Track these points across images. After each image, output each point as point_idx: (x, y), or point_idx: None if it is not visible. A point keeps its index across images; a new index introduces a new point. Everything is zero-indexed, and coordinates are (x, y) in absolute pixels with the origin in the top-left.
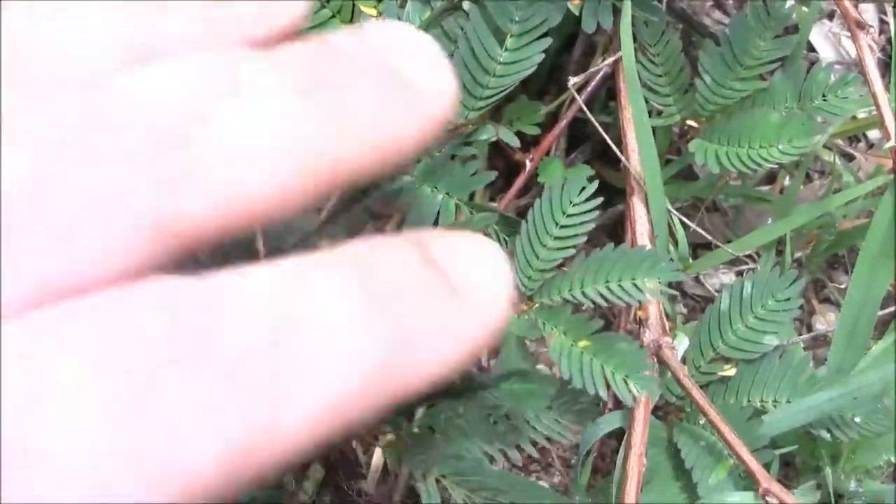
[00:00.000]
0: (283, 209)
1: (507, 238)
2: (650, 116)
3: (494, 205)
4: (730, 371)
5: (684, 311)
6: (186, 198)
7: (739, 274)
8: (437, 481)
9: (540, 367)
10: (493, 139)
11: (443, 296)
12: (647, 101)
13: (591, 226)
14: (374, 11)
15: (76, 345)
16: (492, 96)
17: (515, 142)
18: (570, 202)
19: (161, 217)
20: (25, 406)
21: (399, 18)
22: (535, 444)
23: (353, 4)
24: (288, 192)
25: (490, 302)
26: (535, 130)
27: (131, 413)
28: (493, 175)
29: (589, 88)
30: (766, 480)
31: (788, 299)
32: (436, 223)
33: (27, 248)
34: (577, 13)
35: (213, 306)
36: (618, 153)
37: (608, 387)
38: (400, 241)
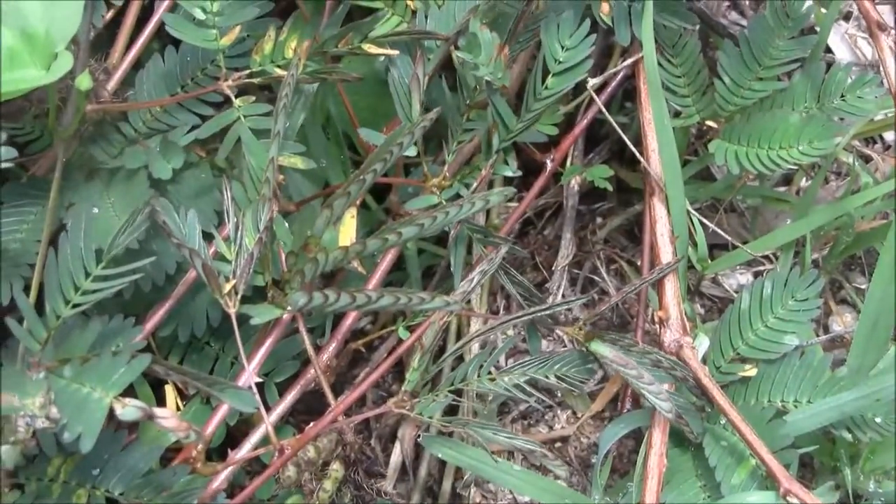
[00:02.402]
0: None
1: None
2: (669, 117)
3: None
4: (750, 371)
5: (701, 311)
6: None
7: (756, 275)
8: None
9: None
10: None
11: None
12: (666, 102)
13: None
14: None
15: None
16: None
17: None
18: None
19: None
20: None
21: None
22: (552, 442)
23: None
24: None
25: None
26: (554, 131)
27: None
28: None
29: (608, 89)
30: (788, 481)
31: (808, 299)
32: None
33: None
34: (607, 23)
35: None
36: (637, 154)
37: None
38: None
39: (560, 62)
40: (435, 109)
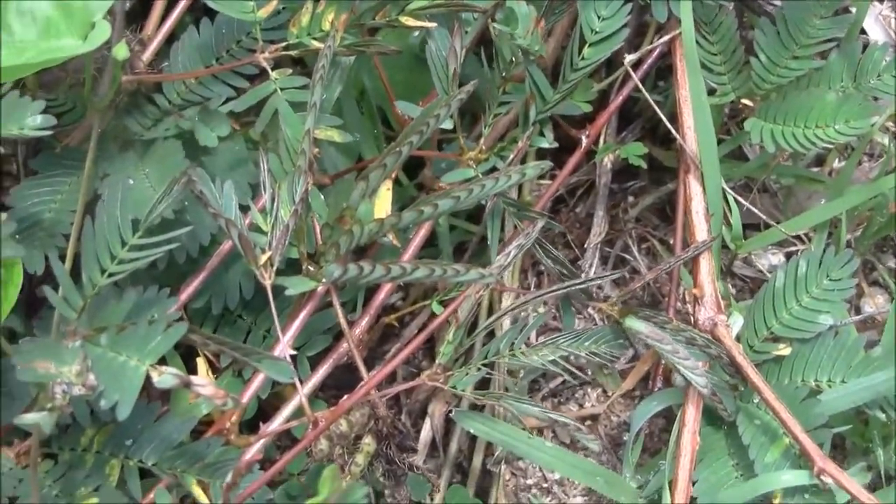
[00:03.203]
0: None
1: None
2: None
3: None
4: (784, 350)
5: (733, 291)
6: None
7: (788, 256)
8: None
9: None
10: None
11: None
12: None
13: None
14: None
15: None
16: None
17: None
18: None
19: None
20: None
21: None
22: (582, 420)
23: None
24: None
25: None
26: (588, 108)
27: None
28: None
29: (643, 66)
30: (822, 460)
31: (843, 279)
32: None
33: None
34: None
35: None
36: (673, 132)
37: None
38: None
39: (596, 32)
40: (472, 82)
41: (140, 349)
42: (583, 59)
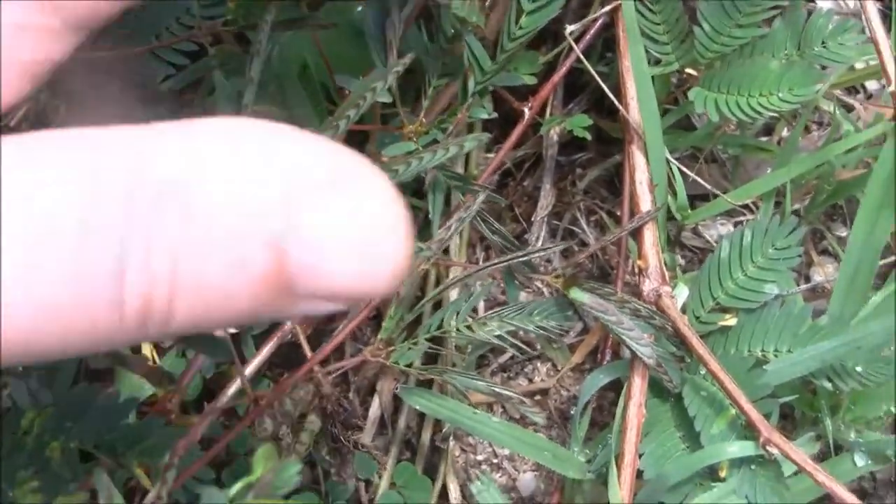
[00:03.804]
0: None
1: None
2: (648, 65)
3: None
4: (730, 321)
5: (682, 262)
6: None
7: (737, 225)
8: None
9: None
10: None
11: None
12: (645, 50)
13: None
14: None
15: None
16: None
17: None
18: None
19: None
20: None
21: None
22: (532, 395)
23: None
24: None
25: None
26: (533, 80)
27: None
28: None
29: (587, 38)
30: (768, 430)
31: (789, 247)
32: None
33: None
34: None
35: None
36: (616, 103)
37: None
38: None
39: (533, 1)
40: (409, 54)
41: None
42: (520, 27)
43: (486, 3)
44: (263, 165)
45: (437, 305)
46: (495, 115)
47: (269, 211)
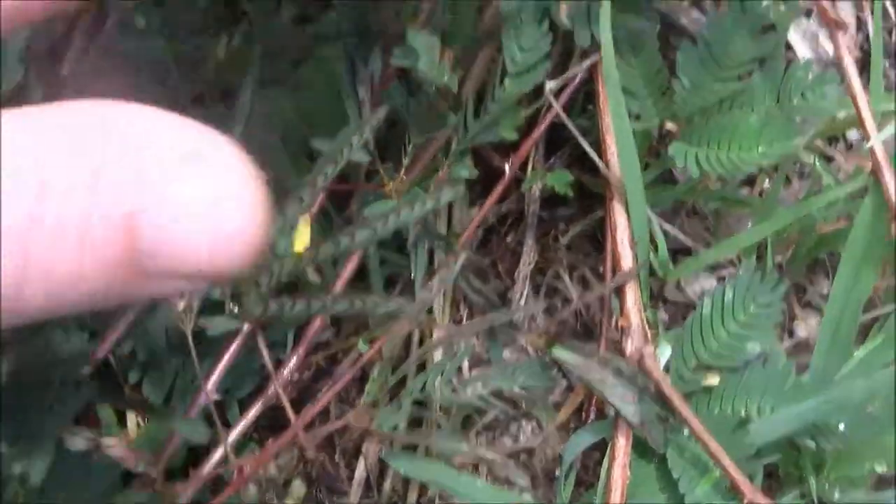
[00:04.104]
0: None
1: None
2: (629, 120)
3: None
4: (713, 380)
5: (665, 317)
6: None
7: (720, 279)
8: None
9: None
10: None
11: None
12: (625, 105)
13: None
14: None
15: None
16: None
17: None
18: None
19: None
20: None
21: None
22: (517, 454)
23: None
24: None
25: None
26: (514, 136)
27: None
28: None
29: (567, 92)
30: (751, 492)
31: (770, 304)
32: None
33: None
34: (566, 24)
35: None
36: (597, 160)
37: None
38: None
39: (517, 63)
40: (382, 108)
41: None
42: (504, 90)
43: (453, 60)
44: (118, 144)
45: (422, 365)
46: (476, 173)
47: (121, 190)
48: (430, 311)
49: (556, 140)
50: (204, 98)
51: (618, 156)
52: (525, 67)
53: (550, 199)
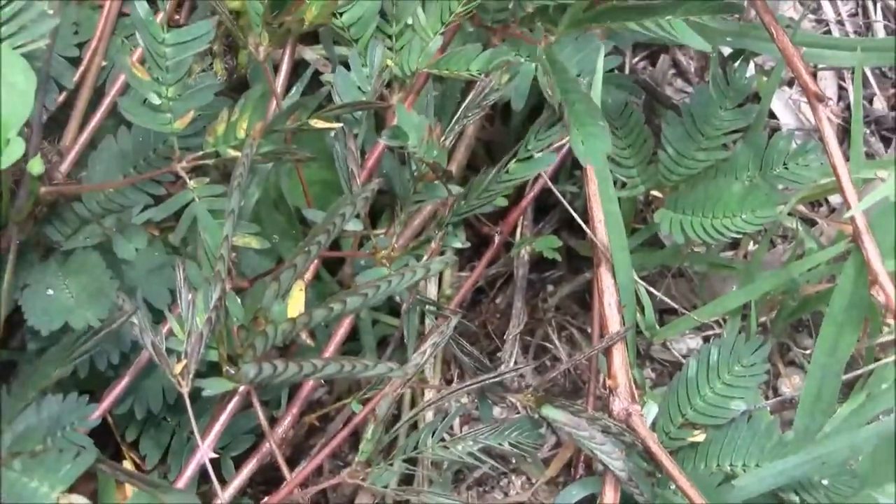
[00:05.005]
0: None
1: None
2: (615, 187)
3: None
4: (699, 437)
5: (652, 375)
6: None
7: (706, 339)
8: None
9: None
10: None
11: None
12: (611, 173)
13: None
14: None
15: None
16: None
17: None
18: None
19: None
20: None
21: None
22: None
23: None
24: None
25: None
26: (503, 202)
27: None
28: None
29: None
30: None
31: (754, 365)
32: None
33: None
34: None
35: None
36: (584, 227)
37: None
38: None
39: (528, 150)
40: (376, 180)
41: (51, 476)
42: (507, 172)
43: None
44: None
45: (414, 424)
46: (468, 244)
47: None
48: (422, 371)
49: (545, 204)
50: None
51: (604, 223)
52: (534, 154)
53: (539, 261)
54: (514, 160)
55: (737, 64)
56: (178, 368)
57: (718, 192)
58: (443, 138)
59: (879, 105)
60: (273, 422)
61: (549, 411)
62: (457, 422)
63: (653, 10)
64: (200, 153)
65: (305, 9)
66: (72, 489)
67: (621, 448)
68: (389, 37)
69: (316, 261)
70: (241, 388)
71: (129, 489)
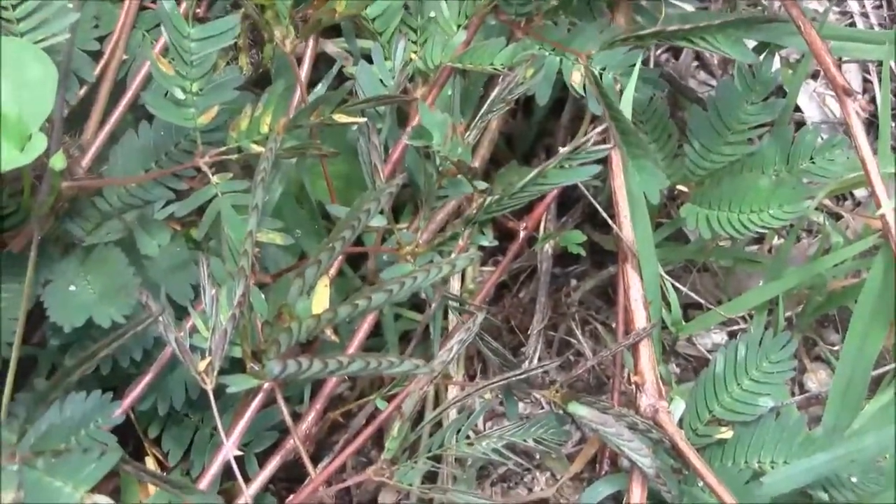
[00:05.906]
0: None
1: None
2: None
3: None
4: (726, 434)
5: (677, 370)
6: None
7: (731, 334)
8: None
9: None
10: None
11: None
12: None
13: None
14: None
15: None
16: None
17: None
18: None
19: None
20: None
21: None
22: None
23: None
24: None
25: None
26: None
27: None
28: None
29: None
30: None
31: (782, 361)
32: None
33: None
34: (579, 92)
35: None
36: (609, 222)
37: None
38: None
39: (569, 160)
40: (400, 175)
41: (74, 476)
42: (543, 176)
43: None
44: None
45: (438, 421)
46: (495, 242)
47: None
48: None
49: (568, 198)
50: (222, 163)
51: (630, 218)
52: (574, 164)
53: (562, 256)
54: (552, 166)
55: (762, 57)
56: (202, 365)
57: (745, 187)
58: (467, 134)
59: None
60: (296, 418)
61: (577, 408)
62: (481, 419)
63: (700, 30)
64: (223, 148)
65: (336, 0)
66: (94, 488)
67: (648, 445)
68: (413, 30)
69: (340, 257)
70: (265, 385)
71: (152, 487)
